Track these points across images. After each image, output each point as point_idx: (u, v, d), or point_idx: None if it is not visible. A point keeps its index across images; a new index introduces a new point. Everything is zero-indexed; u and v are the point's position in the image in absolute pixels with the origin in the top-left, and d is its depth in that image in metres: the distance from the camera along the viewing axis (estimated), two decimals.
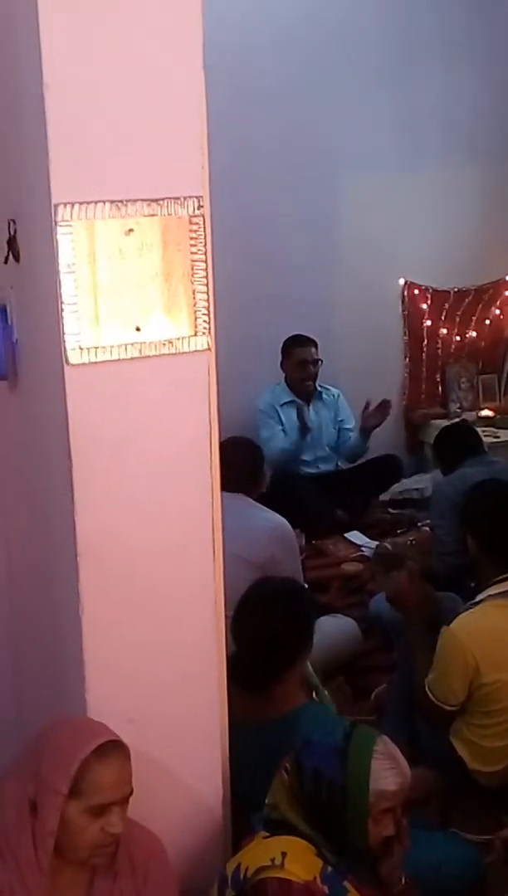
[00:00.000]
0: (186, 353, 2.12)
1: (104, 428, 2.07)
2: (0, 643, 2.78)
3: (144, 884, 2.09)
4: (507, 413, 6.51)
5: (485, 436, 5.41)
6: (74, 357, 1.99)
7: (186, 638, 2.26)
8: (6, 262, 2.27)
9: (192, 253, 2.09)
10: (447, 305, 6.47)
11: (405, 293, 6.38)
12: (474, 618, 3.22)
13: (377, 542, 5.02)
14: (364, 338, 6.18)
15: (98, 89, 1.94)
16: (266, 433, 5.56)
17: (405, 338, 6.47)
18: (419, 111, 6.14)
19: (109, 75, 1.95)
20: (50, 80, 1.89)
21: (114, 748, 1.99)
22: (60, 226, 1.94)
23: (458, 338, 6.59)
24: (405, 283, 6.36)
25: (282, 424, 5.63)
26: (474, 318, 6.58)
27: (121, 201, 1.99)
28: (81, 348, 2.00)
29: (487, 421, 6.32)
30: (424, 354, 6.52)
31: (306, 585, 4.34)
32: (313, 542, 5.12)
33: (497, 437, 6.10)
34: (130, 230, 2.02)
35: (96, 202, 1.96)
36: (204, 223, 2.09)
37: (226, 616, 2.37)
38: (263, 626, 2.71)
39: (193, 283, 2.10)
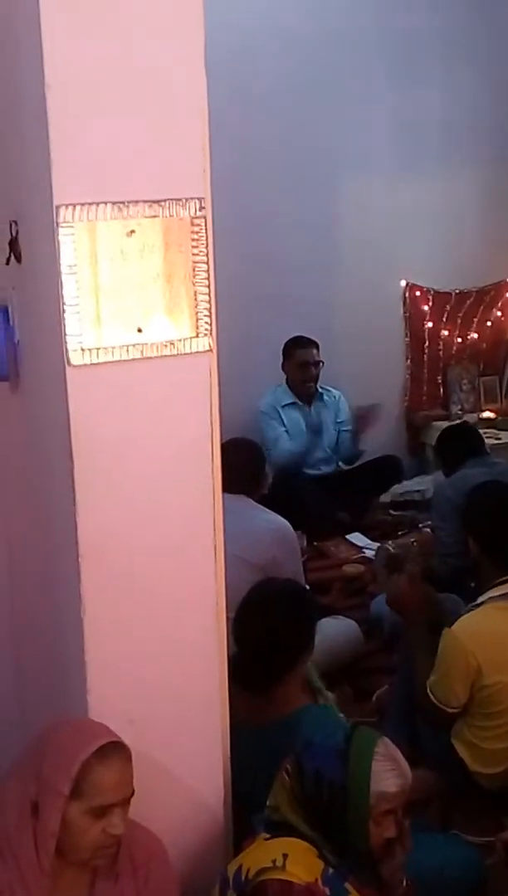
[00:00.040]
0: (187, 354, 2.12)
1: (106, 429, 2.07)
2: (2, 643, 2.78)
3: (145, 885, 2.09)
4: None
5: (486, 437, 5.41)
6: (75, 358, 1.99)
7: (188, 639, 2.26)
8: (8, 262, 2.27)
9: (193, 254, 2.09)
10: (448, 307, 6.48)
11: (407, 295, 6.38)
12: (475, 620, 3.21)
13: (378, 544, 5.02)
14: (366, 339, 6.18)
15: (99, 90, 1.94)
16: (272, 434, 5.56)
17: (407, 339, 6.47)
18: (420, 112, 6.13)
19: (110, 76, 1.95)
20: (51, 81, 1.89)
21: (115, 749, 1.99)
22: (62, 227, 1.94)
23: (459, 339, 6.59)
24: (407, 284, 6.37)
25: (284, 426, 5.63)
26: (475, 319, 6.58)
27: (122, 203, 1.99)
28: (82, 349, 2.00)
29: (488, 422, 6.32)
30: (425, 356, 6.52)
31: (308, 587, 4.35)
32: (315, 543, 5.12)
33: (499, 439, 6.10)
34: (132, 231, 2.03)
35: (98, 203, 1.96)
36: (206, 225, 2.09)
37: (227, 617, 2.37)
38: (264, 628, 2.71)
39: (194, 285, 2.10)
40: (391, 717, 3.50)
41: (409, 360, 6.50)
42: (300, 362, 5.66)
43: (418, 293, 6.40)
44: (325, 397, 5.78)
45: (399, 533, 5.28)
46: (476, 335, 6.61)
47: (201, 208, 2.08)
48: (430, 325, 6.47)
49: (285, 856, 2.07)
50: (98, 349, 2.01)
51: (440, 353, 6.56)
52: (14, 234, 2.24)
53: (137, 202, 2.01)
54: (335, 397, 5.82)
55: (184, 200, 2.06)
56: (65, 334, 1.98)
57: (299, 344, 5.67)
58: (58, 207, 1.93)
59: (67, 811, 1.94)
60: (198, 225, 2.08)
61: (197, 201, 2.07)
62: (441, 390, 6.61)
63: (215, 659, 2.31)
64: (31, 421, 2.36)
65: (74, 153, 1.93)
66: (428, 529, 4.99)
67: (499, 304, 6.64)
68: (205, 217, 2.09)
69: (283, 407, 5.68)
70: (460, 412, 6.49)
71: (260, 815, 2.23)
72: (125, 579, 2.15)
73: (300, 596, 2.95)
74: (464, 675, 3.11)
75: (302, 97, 5.70)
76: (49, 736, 2.04)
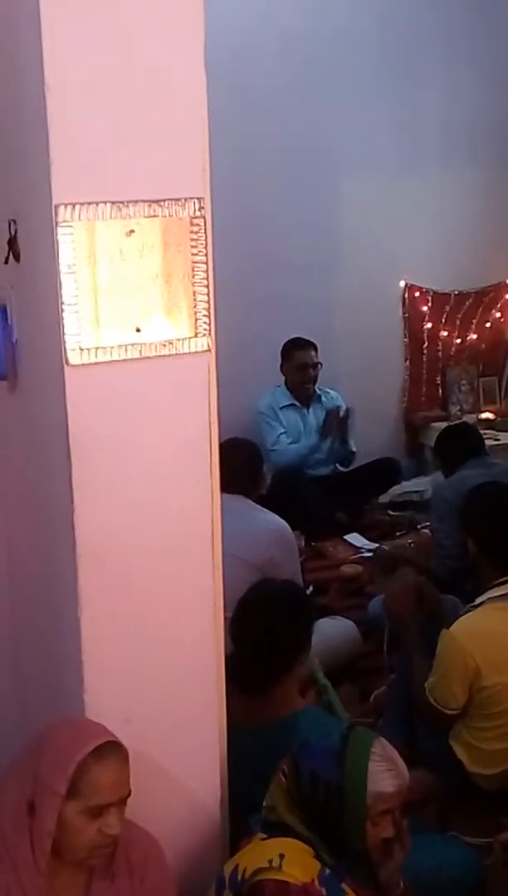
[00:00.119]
0: (186, 354, 2.12)
1: (104, 429, 2.07)
2: (0, 643, 2.77)
3: (141, 885, 2.09)
4: (507, 416, 6.52)
5: (485, 438, 5.40)
6: (74, 358, 1.99)
7: (185, 639, 2.25)
8: (6, 262, 2.27)
9: (193, 254, 2.09)
10: (447, 308, 6.48)
11: (406, 296, 6.39)
12: (474, 620, 3.21)
13: (376, 545, 5.04)
14: (365, 340, 6.19)
15: (99, 90, 1.94)
16: (270, 436, 5.56)
17: (406, 340, 6.47)
18: (420, 112, 6.14)
19: (110, 76, 1.95)
20: (51, 81, 1.89)
21: (112, 749, 1.99)
22: (61, 226, 1.94)
23: (459, 340, 6.59)
24: (406, 285, 6.37)
25: (283, 427, 5.63)
26: (474, 320, 6.58)
27: (122, 202, 1.99)
28: (81, 349, 1.99)
29: (487, 423, 6.32)
30: (424, 357, 6.52)
31: (310, 588, 4.36)
32: (313, 543, 5.12)
33: (498, 440, 6.10)
34: (131, 231, 2.02)
35: (97, 203, 1.96)
36: (205, 225, 2.09)
37: (225, 617, 2.37)
38: (262, 628, 2.71)
39: (193, 285, 2.10)
40: (388, 718, 3.50)
41: (408, 361, 6.50)
42: (299, 364, 5.66)
43: (417, 294, 6.40)
44: (323, 399, 5.78)
45: (398, 534, 5.29)
46: (475, 336, 6.62)
47: (201, 208, 2.08)
48: (429, 325, 6.47)
49: (281, 856, 2.07)
50: (97, 349, 2.01)
51: (440, 353, 6.56)
52: (13, 233, 2.24)
53: (136, 202, 2.00)
54: (333, 399, 5.82)
55: (183, 200, 2.05)
56: (63, 334, 1.98)
57: (297, 346, 5.67)
58: (57, 207, 1.93)
59: (64, 811, 1.94)
60: (197, 225, 2.08)
61: (196, 201, 2.07)
62: (440, 391, 6.61)
63: (213, 659, 2.31)
64: (30, 421, 2.36)
65: (74, 152, 1.93)
66: (427, 530, 4.99)
67: (498, 306, 6.64)
68: (204, 217, 2.08)
69: (281, 408, 5.68)
70: (459, 413, 6.49)
71: (257, 816, 2.23)
72: (123, 579, 2.15)
73: (298, 596, 2.96)
74: (463, 677, 3.10)
75: (302, 97, 5.70)
76: (46, 735, 2.04)
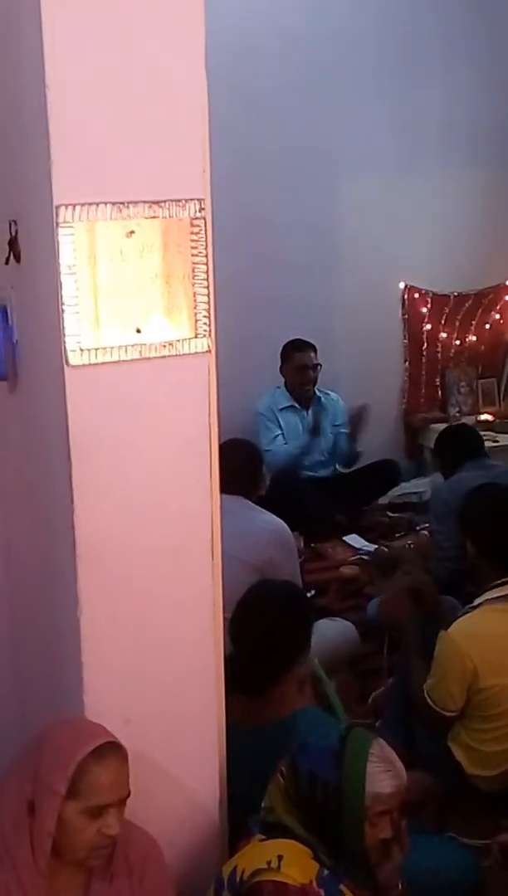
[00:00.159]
0: (186, 354, 2.12)
1: (104, 429, 2.07)
2: (0, 643, 2.77)
3: (140, 885, 2.09)
4: (506, 417, 6.52)
5: (484, 440, 5.40)
6: (74, 358, 1.99)
7: (185, 640, 2.25)
8: (7, 262, 2.27)
9: (193, 255, 2.09)
10: (447, 309, 6.48)
11: (405, 297, 6.39)
12: (472, 622, 3.21)
13: (375, 546, 5.04)
14: (364, 341, 6.19)
15: (100, 90, 1.94)
16: (268, 437, 5.56)
17: (405, 342, 6.48)
18: (420, 113, 6.14)
19: (110, 76, 1.95)
20: (52, 81, 1.89)
21: (112, 750, 1.99)
22: (62, 227, 1.94)
23: (458, 342, 6.59)
24: (406, 286, 6.37)
25: (281, 429, 5.63)
26: (474, 322, 6.59)
27: (122, 203, 1.99)
28: (81, 349, 2.00)
29: (486, 425, 6.33)
30: (424, 358, 6.53)
31: (310, 590, 4.36)
32: (312, 545, 5.12)
33: (497, 442, 6.11)
34: (131, 232, 2.03)
35: (98, 204, 1.96)
36: (205, 226, 2.09)
37: (224, 618, 2.37)
38: (261, 629, 2.71)
39: (193, 286, 2.10)
40: (387, 719, 3.50)
41: (407, 363, 6.51)
42: (298, 366, 5.66)
43: (416, 295, 6.40)
44: (323, 400, 5.78)
45: (396, 535, 5.29)
46: (474, 338, 6.62)
47: (201, 209, 2.08)
48: (429, 327, 6.47)
49: (280, 857, 2.07)
50: (97, 349, 2.01)
51: (439, 355, 6.56)
52: (13, 233, 2.24)
53: (136, 203, 2.00)
54: (332, 400, 5.82)
55: (183, 201, 2.06)
56: (64, 334, 1.98)
57: (296, 347, 5.67)
58: (57, 207, 1.93)
59: (64, 811, 1.94)
60: (197, 226, 2.08)
61: (197, 202, 2.07)
62: (440, 393, 6.61)
63: (212, 660, 2.31)
64: (30, 421, 2.36)
65: (74, 153, 1.93)
66: (426, 532, 4.99)
67: (498, 307, 6.64)
68: (204, 218, 2.09)
69: (280, 410, 5.68)
70: (458, 415, 6.50)
71: (255, 817, 2.23)
72: (123, 580, 2.15)
73: (297, 597, 2.95)
74: (461, 678, 3.10)
75: (302, 98, 5.70)
76: (46, 736, 2.04)
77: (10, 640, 2.76)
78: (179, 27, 2.01)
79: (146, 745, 2.20)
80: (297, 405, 5.70)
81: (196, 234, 2.08)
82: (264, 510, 4.00)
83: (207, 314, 2.12)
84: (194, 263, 2.09)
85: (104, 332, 2.02)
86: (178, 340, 2.10)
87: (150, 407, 2.11)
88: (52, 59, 1.89)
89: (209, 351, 2.15)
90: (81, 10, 1.90)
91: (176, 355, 2.10)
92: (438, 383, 6.60)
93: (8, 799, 1.99)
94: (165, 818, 2.27)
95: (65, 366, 2.00)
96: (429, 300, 6.43)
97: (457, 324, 6.54)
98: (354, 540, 5.23)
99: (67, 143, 1.92)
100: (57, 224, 1.94)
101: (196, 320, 2.11)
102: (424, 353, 6.52)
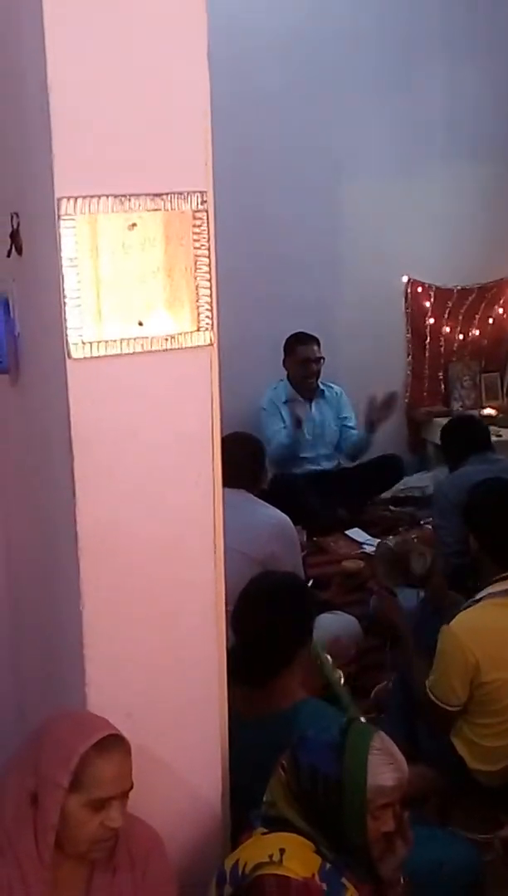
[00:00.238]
0: (188, 348, 2.11)
1: (106, 422, 2.06)
2: (2, 636, 2.78)
3: (142, 879, 2.09)
4: None
5: None
6: (76, 351, 1.99)
7: (187, 633, 2.25)
8: (9, 255, 2.27)
9: (195, 248, 2.09)
10: (450, 303, 6.48)
11: (409, 291, 6.39)
12: (474, 616, 3.21)
13: (378, 540, 5.03)
14: (367, 335, 6.19)
15: (102, 83, 1.94)
16: (270, 431, 5.56)
17: (408, 336, 6.48)
18: (423, 109, 6.14)
19: (113, 69, 1.95)
20: (53, 75, 1.89)
21: (115, 742, 1.99)
22: (63, 220, 1.94)
23: (461, 336, 6.59)
24: (409, 280, 6.37)
25: (284, 422, 5.63)
26: (477, 316, 6.58)
27: (124, 196, 1.99)
28: (83, 342, 1.99)
29: (489, 419, 6.31)
30: (427, 352, 6.52)
31: (311, 581, 4.36)
32: (315, 539, 5.12)
33: (500, 436, 6.09)
34: (133, 225, 2.02)
35: (99, 196, 1.96)
36: (207, 218, 2.09)
37: (226, 611, 2.37)
38: (263, 621, 2.71)
39: (195, 279, 2.10)
40: (389, 715, 3.50)
41: (410, 357, 6.51)
42: (302, 359, 5.65)
43: (419, 289, 6.40)
44: (326, 393, 5.78)
45: (399, 529, 5.28)
46: (477, 332, 6.61)
47: (203, 202, 2.07)
48: (432, 321, 6.47)
49: (282, 851, 2.07)
50: (99, 342, 2.01)
51: (442, 349, 6.56)
52: (15, 226, 2.23)
53: (138, 195, 2.00)
54: (336, 394, 5.81)
55: (186, 194, 2.05)
56: (66, 327, 1.98)
57: (300, 340, 5.66)
58: (59, 200, 1.93)
59: (66, 804, 1.94)
60: (199, 219, 2.08)
61: (199, 195, 2.07)
62: (443, 387, 6.61)
63: (214, 652, 2.31)
64: (32, 414, 2.35)
65: (76, 146, 1.93)
66: (429, 526, 4.98)
67: (501, 301, 6.64)
68: (207, 211, 2.08)
69: (283, 403, 5.67)
70: (461, 409, 6.49)
71: (257, 811, 2.23)
72: (125, 573, 2.15)
73: (299, 589, 2.96)
74: (463, 673, 3.10)
75: (304, 95, 5.70)
76: (48, 728, 2.04)
77: (12, 632, 2.76)
78: (181, 19, 2.00)
79: (148, 738, 2.20)
80: (300, 398, 5.70)
81: (198, 226, 2.08)
82: (266, 504, 4.00)
83: (209, 307, 2.12)
84: (196, 256, 2.09)
85: (106, 325, 2.02)
86: (180, 333, 2.10)
87: (152, 400, 2.11)
88: (53, 53, 1.88)
89: (212, 344, 2.15)
90: (82, 4, 1.90)
91: (178, 348, 2.10)
92: (441, 377, 6.60)
93: (10, 792, 1.99)
94: (167, 811, 2.27)
95: (67, 359, 1.99)
96: (432, 294, 6.42)
97: (460, 318, 6.54)
98: (356, 534, 5.23)
99: (69, 135, 1.92)
100: (59, 217, 1.93)
101: (198, 313, 2.11)
102: (427, 347, 6.51)
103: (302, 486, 5.30)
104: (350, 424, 5.75)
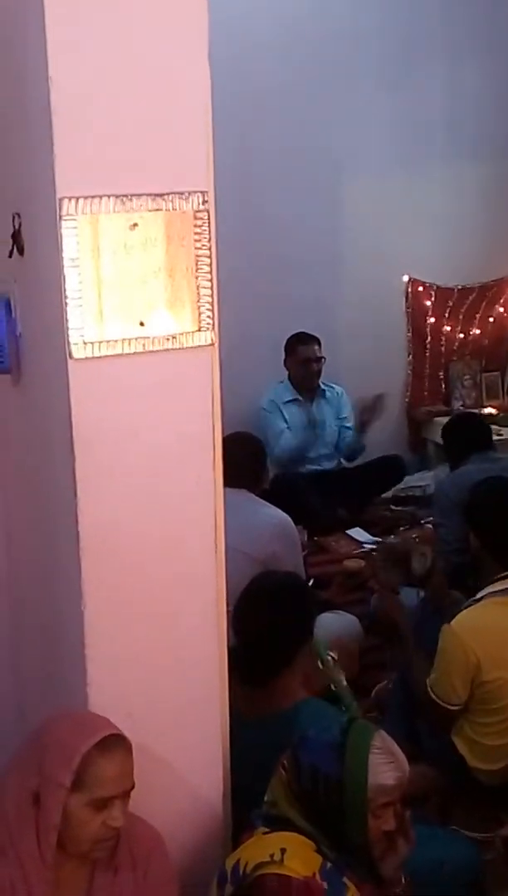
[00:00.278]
0: (189, 348, 2.12)
1: (107, 422, 2.07)
2: (3, 636, 2.78)
3: (144, 879, 2.09)
4: None
5: None
6: (77, 351, 1.99)
7: (188, 632, 2.26)
8: (10, 255, 2.27)
9: (196, 248, 2.09)
10: (450, 303, 6.47)
11: (409, 290, 6.38)
12: (475, 615, 3.21)
13: (379, 539, 5.03)
14: (368, 335, 6.18)
15: (103, 83, 1.94)
16: (273, 431, 5.55)
17: (409, 335, 6.47)
18: (423, 108, 6.13)
19: (114, 69, 1.95)
20: (55, 74, 1.89)
21: (116, 742, 2.00)
22: (65, 220, 1.94)
23: (462, 335, 6.58)
24: (409, 280, 6.36)
25: (286, 422, 5.63)
26: (478, 315, 6.57)
27: (126, 196, 1.99)
28: (84, 342, 1.99)
29: (490, 419, 6.29)
30: (427, 352, 6.52)
31: (312, 581, 4.36)
32: (315, 538, 5.12)
33: (501, 435, 6.08)
34: (135, 225, 2.02)
35: (101, 196, 1.96)
36: (209, 218, 2.09)
37: (227, 611, 2.37)
38: (264, 621, 2.71)
39: (197, 279, 2.10)
40: (390, 714, 3.50)
41: (411, 356, 6.50)
42: (302, 359, 5.65)
43: (420, 288, 6.39)
44: (327, 394, 5.78)
45: (400, 529, 5.28)
46: (478, 331, 6.61)
47: (204, 202, 2.07)
48: (432, 320, 6.47)
49: (283, 850, 2.07)
50: (100, 342, 2.01)
51: (442, 348, 6.55)
52: (17, 226, 2.23)
53: (140, 195, 2.00)
54: (337, 394, 5.81)
55: (187, 194, 2.05)
56: (67, 327, 1.98)
57: (300, 340, 5.66)
58: (61, 200, 1.93)
59: (68, 803, 1.94)
60: (201, 219, 2.08)
61: (200, 195, 2.07)
62: (443, 386, 6.61)
63: (215, 652, 2.31)
64: (33, 414, 2.36)
65: (78, 146, 1.93)
66: (430, 525, 4.98)
67: (501, 301, 6.63)
68: (208, 211, 2.08)
69: (285, 403, 5.67)
70: (461, 408, 6.49)
71: (258, 810, 2.23)
72: (126, 572, 2.15)
73: (300, 588, 2.96)
74: (464, 672, 3.10)
75: (304, 94, 5.69)
76: (49, 728, 2.04)
77: (13, 632, 2.77)
78: (182, 19, 2.01)
79: (149, 737, 2.20)
80: (301, 398, 5.70)
81: (199, 226, 2.08)
82: (267, 503, 4.00)
83: (210, 307, 2.12)
84: (197, 256, 2.09)
85: (107, 325, 2.02)
86: (181, 334, 2.10)
87: (153, 400, 2.11)
88: (55, 52, 1.89)
89: (212, 344, 2.15)
90: (84, 4, 1.90)
91: (179, 348, 2.10)
92: (441, 377, 6.59)
93: (12, 792, 1.99)
94: (168, 811, 2.27)
95: (68, 359, 2.00)
96: (433, 293, 6.42)
97: (461, 317, 6.54)
98: (357, 533, 5.22)
99: (71, 135, 1.92)
100: (60, 217, 1.94)
101: (199, 313, 2.11)
102: (427, 346, 6.51)
103: (303, 486, 5.30)
104: (348, 425, 5.76)
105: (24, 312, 2.32)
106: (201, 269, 2.10)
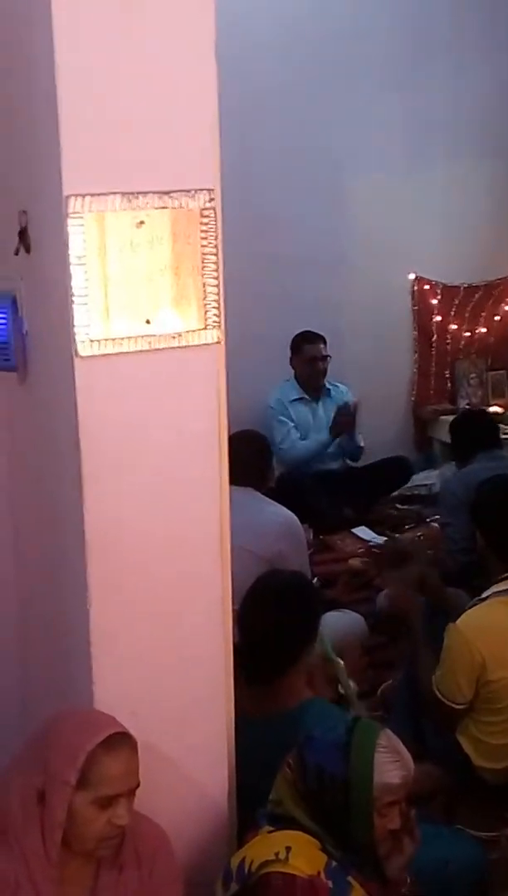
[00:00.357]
0: (195, 346, 2.12)
1: (113, 420, 2.07)
2: (8, 633, 2.78)
3: (149, 877, 2.09)
4: None
5: None
6: (83, 349, 1.99)
7: (193, 631, 2.26)
8: (17, 253, 2.27)
9: (202, 246, 2.09)
10: (456, 301, 6.46)
11: (415, 288, 6.38)
12: (480, 614, 3.21)
13: (384, 538, 5.03)
14: (373, 333, 6.18)
15: (110, 81, 1.94)
16: (282, 431, 5.55)
17: (415, 333, 6.47)
18: (429, 106, 6.13)
19: (121, 67, 1.95)
20: (62, 72, 1.89)
21: (122, 740, 2.00)
22: (71, 217, 1.94)
23: (468, 334, 6.58)
24: (415, 278, 6.35)
25: (292, 421, 5.62)
26: (483, 314, 6.57)
27: (132, 193, 1.99)
28: (90, 340, 2.00)
29: (496, 417, 6.29)
30: (433, 350, 6.51)
31: (316, 579, 4.35)
32: (321, 537, 5.12)
33: (506, 434, 6.08)
34: (141, 222, 2.02)
35: (107, 194, 1.96)
36: (215, 216, 2.09)
37: (233, 609, 2.37)
38: (269, 620, 2.71)
39: (203, 277, 2.10)
40: (395, 713, 3.50)
41: (417, 354, 6.50)
42: (308, 357, 5.65)
43: (426, 287, 6.39)
44: (333, 393, 5.77)
45: (406, 527, 5.28)
46: (484, 329, 6.60)
47: (211, 200, 2.07)
48: (438, 319, 6.46)
49: (288, 849, 2.07)
50: (106, 340, 2.01)
51: (448, 347, 6.55)
52: (24, 224, 2.23)
53: (146, 193, 2.00)
54: (342, 392, 5.81)
55: (193, 192, 2.05)
56: (73, 325, 1.98)
57: (306, 339, 5.66)
58: (67, 198, 1.93)
59: (74, 801, 1.94)
60: (207, 216, 2.08)
61: (206, 192, 2.07)
62: (449, 385, 6.60)
63: (221, 651, 2.31)
64: (39, 411, 2.36)
65: (84, 143, 1.93)
66: (435, 524, 4.98)
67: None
68: (214, 209, 2.08)
69: (291, 402, 5.67)
70: (467, 407, 6.47)
71: (263, 809, 2.23)
72: (132, 570, 2.15)
73: (305, 588, 2.95)
74: (469, 671, 3.10)
75: (309, 91, 5.69)
76: (54, 726, 2.04)
77: (19, 630, 2.76)
78: (189, 19, 2.01)
79: (154, 736, 2.20)
80: (307, 397, 5.70)
81: (206, 224, 2.08)
82: (273, 502, 4.00)
83: (216, 305, 2.12)
84: (203, 254, 2.09)
85: (114, 322, 2.02)
86: (187, 331, 2.10)
87: (159, 398, 2.11)
88: (62, 50, 1.89)
89: (219, 342, 2.15)
90: (91, 3, 1.90)
91: (185, 346, 2.10)
92: (447, 375, 6.59)
93: (17, 790, 1.99)
94: (173, 810, 2.27)
95: (74, 356, 2.00)
96: (439, 291, 6.41)
97: (467, 315, 6.53)
98: (363, 532, 5.22)
99: (77, 133, 1.92)
100: (67, 214, 1.94)
101: (205, 311, 2.11)
102: (433, 344, 6.50)
103: (309, 485, 5.30)
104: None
105: (31, 310, 2.32)
106: (208, 267, 2.10)
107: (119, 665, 2.18)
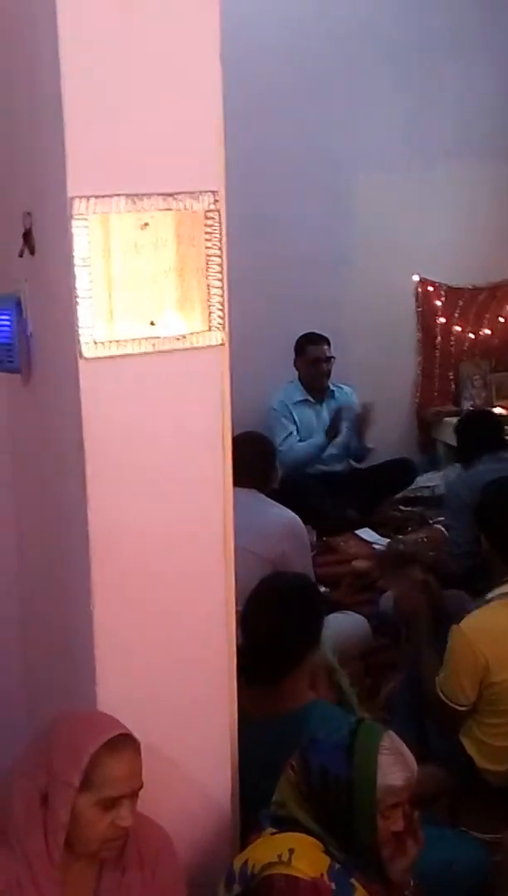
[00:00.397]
0: (199, 348, 2.12)
1: (117, 422, 2.07)
2: (11, 635, 2.78)
3: (152, 878, 2.09)
4: None
5: None
6: (87, 351, 2.00)
7: (197, 632, 2.26)
8: (21, 255, 2.27)
9: (207, 248, 2.09)
10: (461, 303, 6.46)
11: (419, 290, 6.37)
12: (483, 616, 3.21)
13: (387, 540, 5.03)
14: (377, 335, 6.17)
15: (115, 83, 1.94)
16: (282, 434, 5.55)
17: (419, 335, 6.46)
18: (433, 107, 6.12)
19: (125, 69, 1.95)
20: (67, 74, 1.89)
21: (125, 741, 2.00)
22: (76, 219, 1.94)
23: (472, 335, 6.57)
24: (419, 280, 6.35)
25: (295, 424, 5.62)
26: (487, 315, 6.56)
27: (136, 195, 1.99)
28: (94, 342, 2.00)
29: (500, 419, 6.30)
30: (437, 352, 6.50)
31: (320, 581, 4.35)
32: (324, 538, 5.11)
33: None
34: (145, 224, 2.02)
35: (112, 196, 1.96)
36: (219, 218, 2.09)
37: (236, 611, 2.37)
38: (273, 622, 2.71)
39: (207, 278, 2.10)
40: (398, 715, 3.50)
41: (421, 356, 6.48)
42: (312, 359, 5.64)
43: (430, 288, 6.38)
44: (337, 394, 5.77)
45: (409, 529, 5.28)
46: (488, 331, 6.59)
47: (215, 202, 2.08)
48: (442, 320, 6.45)
49: (291, 851, 2.07)
50: (110, 342, 2.01)
51: (452, 348, 6.54)
52: (28, 225, 2.24)
53: (150, 195, 2.01)
54: (346, 394, 5.80)
55: (198, 194, 2.05)
56: (77, 327, 1.98)
57: (310, 340, 5.66)
58: (72, 199, 1.93)
59: (77, 803, 1.94)
60: (211, 218, 2.08)
61: (211, 194, 2.07)
62: (453, 386, 6.58)
63: (224, 652, 2.31)
64: (44, 413, 2.36)
65: (89, 145, 1.93)
66: (439, 526, 4.97)
67: None
68: (218, 211, 2.08)
69: (294, 404, 5.66)
70: (471, 408, 6.47)
71: (266, 811, 2.23)
72: (135, 571, 2.15)
73: (309, 590, 2.96)
74: (472, 672, 3.10)
75: (313, 92, 5.68)
76: (58, 728, 2.04)
77: (22, 630, 2.77)
78: (194, 20, 2.01)
79: (157, 737, 2.20)
80: (311, 398, 5.69)
81: (210, 226, 2.08)
82: (277, 504, 4.00)
83: (220, 307, 2.12)
84: (207, 256, 2.09)
85: (118, 324, 2.02)
86: (191, 333, 2.10)
87: (163, 400, 2.11)
88: (67, 52, 1.89)
89: (223, 344, 2.15)
90: (96, 5, 1.90)
91: (189, 348, 2.11)
92: (451, 377, 6.57)
93: (20, 791, 1.99)
94: (176, 811, 2.27)
95: (78, 358, 2.00)
96: (443, 293, 6.41)
97: (471, 317, 6.52)
98: (366, 534, 5.22)
99: (82, 134, 1.92)
100: (71, 216, 1.94)
101: (210, 313, 2.11)
102: (437, 346, 6.49)
103: (313, 487, 5.29)
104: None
105: (35, 312, 2.32)
106: (212, 268, 2.10)
107: (122, 666, 2.18)
